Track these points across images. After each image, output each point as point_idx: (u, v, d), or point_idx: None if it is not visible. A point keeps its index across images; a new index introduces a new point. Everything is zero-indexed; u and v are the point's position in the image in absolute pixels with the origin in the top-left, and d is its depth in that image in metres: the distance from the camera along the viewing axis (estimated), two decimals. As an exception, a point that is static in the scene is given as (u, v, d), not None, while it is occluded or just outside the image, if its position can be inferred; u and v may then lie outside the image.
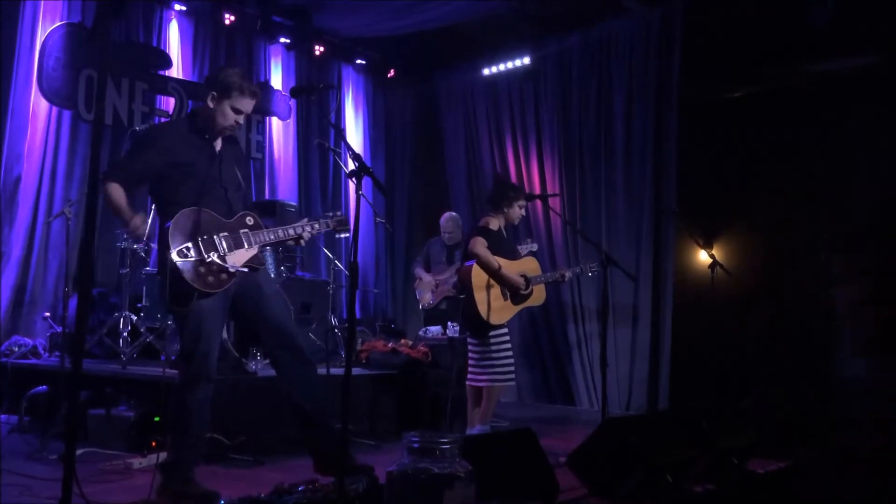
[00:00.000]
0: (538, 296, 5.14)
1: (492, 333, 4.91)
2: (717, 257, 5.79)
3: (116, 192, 3.40)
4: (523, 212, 5.17)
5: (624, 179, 7.28)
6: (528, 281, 5.01)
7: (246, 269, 3.49)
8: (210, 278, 3.33)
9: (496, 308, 4.91)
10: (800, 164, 7.27)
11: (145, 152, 3.50)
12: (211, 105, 3.53)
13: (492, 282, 4.90)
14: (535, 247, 5.67)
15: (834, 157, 7.22)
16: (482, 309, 4.84)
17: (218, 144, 3.60)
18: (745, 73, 7.35)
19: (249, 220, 3.55)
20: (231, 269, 3.39)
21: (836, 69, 6.87)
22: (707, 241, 7.84)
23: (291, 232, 3.64)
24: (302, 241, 3.70)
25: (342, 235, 3.92)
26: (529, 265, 5.13)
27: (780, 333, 7.01)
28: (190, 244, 3.31)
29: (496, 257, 4.89)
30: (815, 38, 6.36)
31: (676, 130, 6.95)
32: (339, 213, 3.89)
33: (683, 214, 6.82)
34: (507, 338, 4.98)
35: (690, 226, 6.95)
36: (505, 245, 5.08)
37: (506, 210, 5.08)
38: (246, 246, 3.48)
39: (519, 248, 5.42)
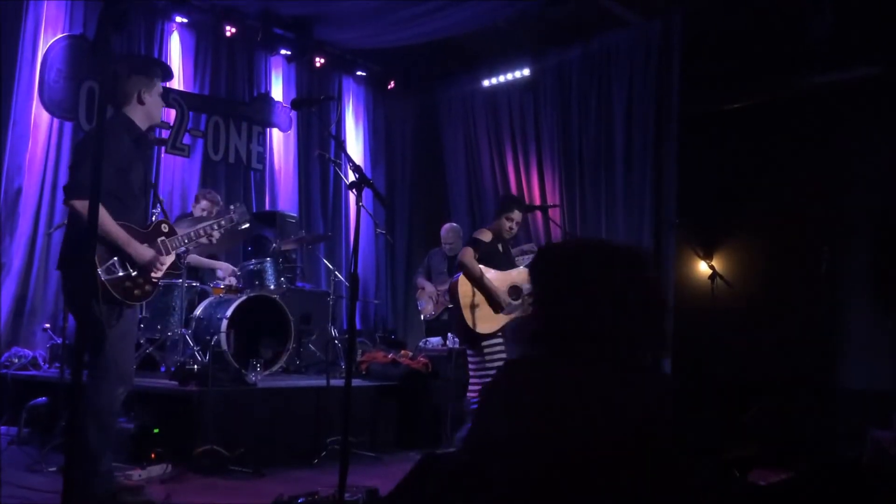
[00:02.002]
0: (528, 306, 5.16)
1: (485, 343, 4.94)
2: (717, 268, 5.80)
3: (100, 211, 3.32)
4: (513, 225, 5.18)
5: (624, 190, 7.29)
6: (518, 292, 5.06)
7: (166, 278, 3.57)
8: (136, 291, 3.43)
9: (482, 316, 4.94)
10: (799, 175, 7.29)
11: (119, 144, 3.41)
12: (144, 101, 3.55)
13: (477, 291, 4.95)
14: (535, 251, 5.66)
15: (833, 167, 7.23)
16: (468, 317, 4.90)
17: (146, 149, 3.68)
18: (744, 85, 7.37)
19: (164, 228, 3.62)
20: (154, 280, 3.51)
21: (834, 80, 6.89)
22: (707, 252, 7.83)
23: (202, 232, 3.73)
24: (213, 240, 3.80)
25: (244, 227, 4.02)
26: (522, 276, 5.16)
27: (781, 344, 6.99)
28: (116, 260, 3.37)
29: (484, 267, 4.93)
30: (814, 50, 6.39)
31: (676, 141, 6.96)
32: (238, 204, 3.96)
33: (683, 225, 6.83)
34: (502, 347, 4.99)
35: (690, 237, 6.95)
36: (498, 257, 5.11)
37: (495, 223, 5.15)
38: (164, 254, 3.56)
39: (519, 252, 5.45)
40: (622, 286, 1.52)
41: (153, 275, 3.49)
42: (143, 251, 3.44)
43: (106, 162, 3.26)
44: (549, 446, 1.38)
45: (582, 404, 1.42)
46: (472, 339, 4.95)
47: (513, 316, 5.10)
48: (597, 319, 1.48)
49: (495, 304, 4.99)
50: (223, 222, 3.81)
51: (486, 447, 1.45)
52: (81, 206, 3.25)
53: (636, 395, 1.46)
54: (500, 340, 4.99)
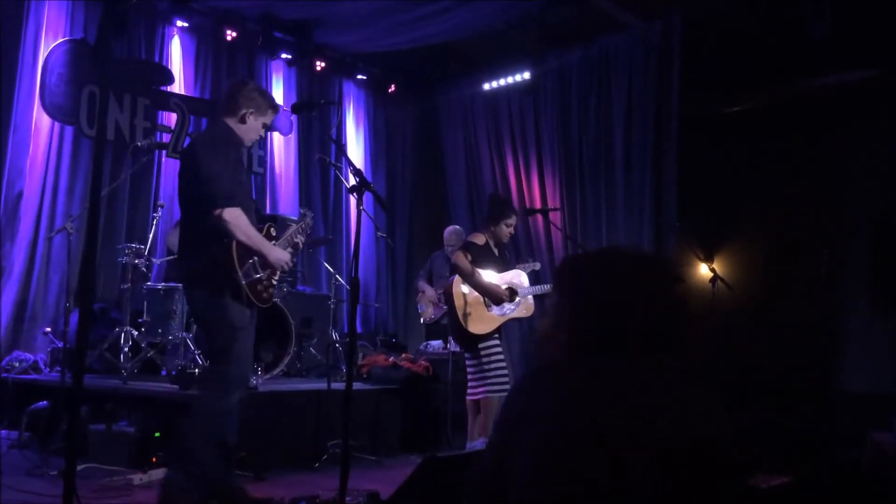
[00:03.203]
0: (525, 308, 5.17)
1: (481, 346, 4.95)
2: (717, 271, 5.80)
3: (244, 219, 3.38)
4: (512, 230, 5.20)
5: (624, 194, 7.28)
6: (514, 293, 5.07)
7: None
8: (265, 294, 3.50)
9: (475, 317, 4.95)
10: (799, 178, 7.29)
11: (232, 154, 3.47)
12: (246, 122, 3.58)
13: (471, 292, 4.96)
14: (537, 265, 5.67)
15: (833, 168, 7.24)
16: (463, 319, 4.91)
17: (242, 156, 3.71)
18: (743, 86, 7.37)
19: (273, 231, 3.68)
20: (274, 283, 3.57)
21: (833, 83, 6.90)
22: (707, 255, 7.84)
23: (290, 239, 3.78)
24: (298, 249, 3.87)
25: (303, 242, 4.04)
26: (517, 278, 5.18)
27: (781, 347, 6.99)
28: (251, 263, 3.41)
29: (479, 270, 4.95)
30: (813, 51, 6.40)
31: (676, 144, 6.95)
32: (307, 210, 4.01)
33: (684, 228, 6.82)
34: (499, 349, 5.00)
35: (691, 240, 6.95)
36: (493, 260, 5.12)
37: (492, 228, 5.15)
38: None
39: (521, 266, 5.44)
40: (652, 291, 1.52)
41: (275, 278, 3.56)
42: (282, 253, 3.54)
43: (230, 169, 3.40)
44: (612, 454, 1.33)
45: (655, 411, 1.38)
46: (469, 341, 4.97)
47: (509, 317, 5.11)
48: (631, 323, 1.48)
49: (495, 300, 5.00)
50: (304, 226, 3.85)
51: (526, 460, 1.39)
52: (230, 215, 3.29)
53: (706, 406, 1.44)
54: (496, 342, 5.00)
